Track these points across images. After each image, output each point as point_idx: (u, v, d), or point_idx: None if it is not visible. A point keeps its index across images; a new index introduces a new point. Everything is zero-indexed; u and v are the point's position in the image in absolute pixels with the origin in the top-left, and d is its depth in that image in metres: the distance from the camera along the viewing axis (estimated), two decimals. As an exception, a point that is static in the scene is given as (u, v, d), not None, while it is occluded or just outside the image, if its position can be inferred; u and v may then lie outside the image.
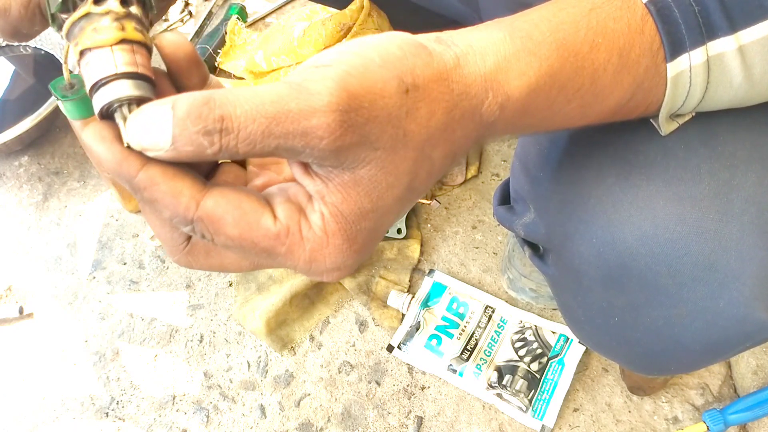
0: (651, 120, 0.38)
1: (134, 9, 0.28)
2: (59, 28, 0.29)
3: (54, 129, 1.02)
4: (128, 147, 0.25)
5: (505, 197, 0.57)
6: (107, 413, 0.75)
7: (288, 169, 0.31)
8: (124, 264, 0.87)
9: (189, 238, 0.29)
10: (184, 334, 0.81)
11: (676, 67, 0.33)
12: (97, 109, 0.27)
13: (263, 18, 1.18)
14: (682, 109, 0.35)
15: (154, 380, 0.77)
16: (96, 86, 0.26)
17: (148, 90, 0.27)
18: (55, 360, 0.80)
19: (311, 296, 0.81)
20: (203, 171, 0.32)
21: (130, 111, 0.26)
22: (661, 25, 0.32)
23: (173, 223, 0.27)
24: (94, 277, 0.87)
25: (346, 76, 0.25)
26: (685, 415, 0.71)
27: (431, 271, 0.83)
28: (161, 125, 0.24)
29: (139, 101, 0.26)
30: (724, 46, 0.33)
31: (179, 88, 0.30)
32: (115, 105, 0.26)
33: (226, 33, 1.09)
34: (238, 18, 1.10)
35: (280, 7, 1.19)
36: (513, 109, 0.30)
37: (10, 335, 0.83)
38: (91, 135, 0.26)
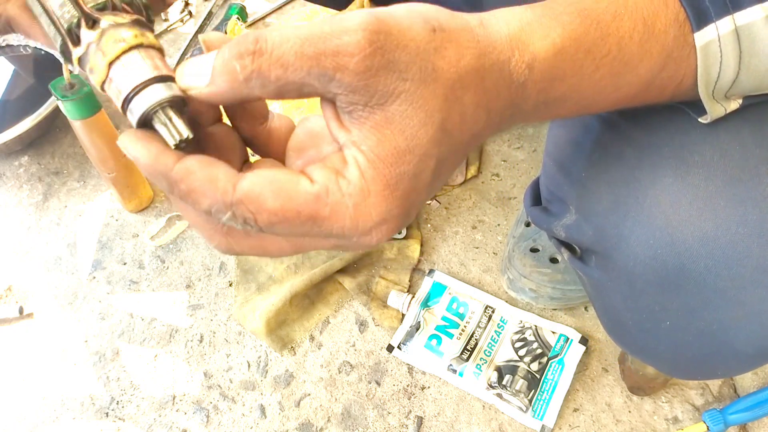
0: (699, 119, 0.37)
1: (127, 18, 0.29)
2: (69, 60, 0.30)
3: (54, 129, 1.02)
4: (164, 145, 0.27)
5: (536, 198, 0.55)
6: (107, 413, 0.75)
7: (326, 151, 0.30)
8: (124, 264, 0.87)
9: None
10: (184, 334, 0.81)
11: (703, 37, 0.33)
12: (135, 118, 0.27)
13: (263, 18, 1.18)
14: (720, 83, 0.34)
15: (154, 380, 0.77)
16: (128, 99, 0.27)
17: (177, 89, 0.28)
18: (55, 360, 0.80)
19: (311, 296, 0.81)
20: (237, 166, 0.31)
21: (167, 115, 0.27)
22: (689, 6, 0.32)
23: (213, 213, 0.27)
24: (94, 277, 0.87)
25: (375, 12, 0.26)
26: (685, 415, 0.71)
27: (431, 271, 0.83)
28: (205, 64, 0.26)
29: (173, 102, 0.27)
30: (751, 15, 0.33)
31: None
32: (155, 109, 0.27)
33: (226, 33, 1.09)
34: (238, 18, 1.10)
35: (280, 7, 1.19)
36: (541, 69, 0.30)
37: (10, 335, 0.83)
38: (126, 138, 0.27)
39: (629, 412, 0.71)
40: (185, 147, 0.27)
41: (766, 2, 0.33)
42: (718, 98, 0.35)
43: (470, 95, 0.28)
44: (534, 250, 0.77)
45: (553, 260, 0.76)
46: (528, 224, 0.81)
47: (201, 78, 0.26)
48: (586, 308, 0.79)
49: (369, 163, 0.26)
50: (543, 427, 0.70)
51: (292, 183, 0.26)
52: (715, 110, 0.36)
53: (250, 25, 1.15)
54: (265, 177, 0.26)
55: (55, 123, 1.02)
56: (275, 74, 0.25)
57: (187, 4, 1.21)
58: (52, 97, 0.93)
